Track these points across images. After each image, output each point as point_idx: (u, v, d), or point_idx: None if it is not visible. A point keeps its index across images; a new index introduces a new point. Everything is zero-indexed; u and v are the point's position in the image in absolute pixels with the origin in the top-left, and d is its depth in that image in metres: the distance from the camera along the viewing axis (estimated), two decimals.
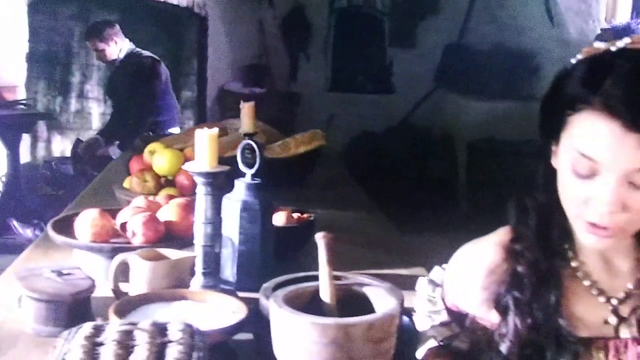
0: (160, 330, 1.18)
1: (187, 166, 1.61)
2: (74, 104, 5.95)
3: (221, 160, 1.60)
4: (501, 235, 1.22)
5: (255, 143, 1.77)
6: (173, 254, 1.60)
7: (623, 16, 5.03)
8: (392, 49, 6.41)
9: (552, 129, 1.08)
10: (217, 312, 1.46)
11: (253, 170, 1.77)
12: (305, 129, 6.36)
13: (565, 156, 1.06)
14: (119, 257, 1.55)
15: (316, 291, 1.29)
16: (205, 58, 6.06)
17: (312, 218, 2.07)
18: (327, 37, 6.49)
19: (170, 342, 1.13)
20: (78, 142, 4.89)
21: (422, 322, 1.34)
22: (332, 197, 2.87)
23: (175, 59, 5.95)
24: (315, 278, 1.46)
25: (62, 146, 5.83)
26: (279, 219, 1.98)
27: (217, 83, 6.20)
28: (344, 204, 2.76)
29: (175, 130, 4.61)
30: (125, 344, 1.13)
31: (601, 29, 5.15)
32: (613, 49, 1.06)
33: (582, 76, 1.04)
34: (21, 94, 5.61)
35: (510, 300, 1.16)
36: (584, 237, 1.08)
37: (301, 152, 2.85)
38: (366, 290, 1.30)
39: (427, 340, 1.32)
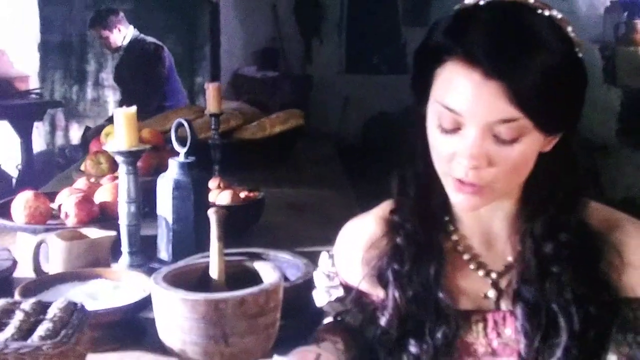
0: (42, 308, 1.19)
1: (107, 146, 1.61)
2: (90, 93, 6.01)
3: None
4: (384, 208, 1.20)
5: (187, 122, 1.76)
6: (95, 234, 1.61)
7: None
8: (407, 29, 6.35)
9: (422, 88, 1.05)
10: (130, 290, 1.46)
11: (185, 149, 1.76)
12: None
13: (432, 112, 1.03)
14: (38, 238, 1.57)
15: (207, 268, 1.28)
16: (218, 43, 6.06)
17: (260, 197, 2.06)
18: (340, 19, 6.46)
19: (44, 320, 1.14)
20: (87, 129, 4.95)
21: (321, 298, 1.32)
22: (310, 176, 2.86)
23: (189, 45, 5.97)
24: (243, 255, 1.47)
25: (79, 134, 5.91)
26: (224, 198, 1.97)
27: (230, 68, 6.21)
28: (320, 183, 2.74)
29: None
30: (0, 322, 1.14)
31: (610, 1, 5.03)
32: (482, 2, 1.02)
33: (447, 26, 1.00)
34: (33, 84, 5.69)
35: (390, 273, 1.14)
36: (452, 196, 1.04)
37: (277, 132, 2.84)
38: (257, 265, 1.29)
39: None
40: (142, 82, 4.58)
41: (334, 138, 5.50)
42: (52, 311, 1.16)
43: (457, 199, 1.02)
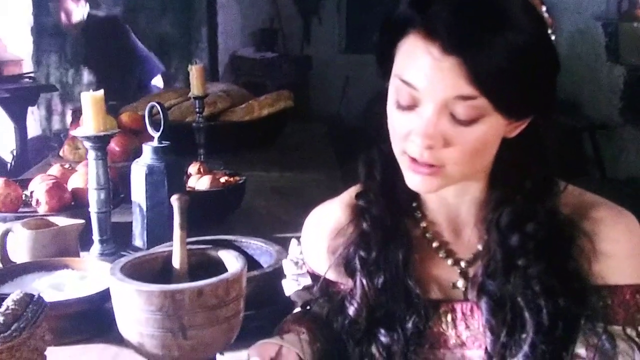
0: None
1: (75, 131, 1.56)
2: (86, 76, 5.95)
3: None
4: (351, 193, 1.14)
5: (160, 105, 1.70)
6: (64, 222, 1.56)
7: None
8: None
9: (385, 62, 0.99)
10: (96, 280, 1.42)
11: (159, 133, 1.70)
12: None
13: (391, 88, 0.98)
14: (4, 226, 1.52)
15: (170, 257, 1.23)
16: (215, 25, 6.00)
17: (241, 181, 2.00)
18: None
19: None
20: (74, 112, 4.87)
21: (289, 286, 1.27)
22: (300, 159, 2.80)
23: (185, 27, 5.90)
24: (215, 242, 1.42)
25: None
26: (203, 183, 1.92)
27: (228, 50, 6.14)
28: (309, 166, 2.68)
29: (158, 80, 4.51)
30: None
31: None
32: None
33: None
34: (27, 68, 5.62)
35: (357, 261, 1.08)
36: (408, 177, 0.98)
37: (265, 114, 2.78)
38: (221, 254, 1.24)
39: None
40: (114, 60, 4.40)
41: (334, 118, 5.45)
42: (6, 304, 1.12)
43: (412, 179, 0.97)
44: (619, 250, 1.01)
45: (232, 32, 6.16)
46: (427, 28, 0.91)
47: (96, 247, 1.61)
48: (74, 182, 1.77)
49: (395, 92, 0.96)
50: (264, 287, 1.33)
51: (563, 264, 0.99)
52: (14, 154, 5.15)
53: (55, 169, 1.87)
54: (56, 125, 5.95)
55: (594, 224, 1.01)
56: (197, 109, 2.40)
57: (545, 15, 0.95)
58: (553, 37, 0.96)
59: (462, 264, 1.06)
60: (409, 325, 1.05)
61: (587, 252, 0.99)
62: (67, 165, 1.94)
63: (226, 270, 1.19)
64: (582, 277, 0.99)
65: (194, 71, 2.41)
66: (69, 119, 5.96)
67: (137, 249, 1.70)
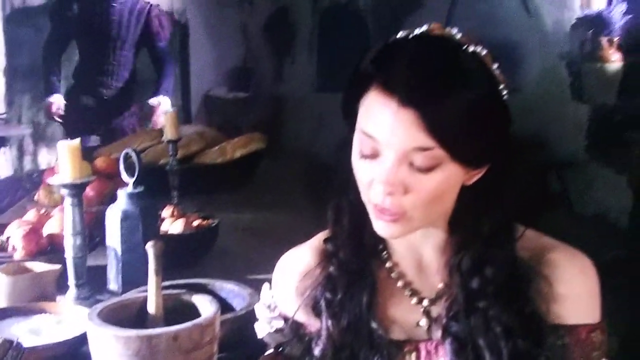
0: None
1: (52, 179, 1.60)
2: None
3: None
4: (320, 238, 1.19)
5: (135, 152, 1.75)
6: (41, 267, 1.59)
7: (598, 3, 4.93)
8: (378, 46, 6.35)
9: (350, 115, 1.06)
10: (73, 324, 1.45)
11: (133, 179, 1.75)
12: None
13: (355, 139, 1.04)
14: None
15: (145, 302, 1.27)
16: (187, 65, 6.06)
17: (214, 224, 2.05)
18: (311, 38, 6.45)
19: None
20: None
21: (262, 329, 1.31)
22: (272, 199, 2.84)
23: None
24: (188, 286, 1.46)
25: (48, 158, 5.87)
26: (176, 226, 1.96)
27: (201, 89, 6.19)
28: (282, 206, 2.73)
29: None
30: None
31: (576, 18, 5.07)
32: (411, 36, 1.04)
33: (374, 55, 1.02)
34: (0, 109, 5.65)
35: (323, 302, 1.13)
36: (374, 224, 1.04)
37: (238, 156, 2.83)
38: (195, 299, 1.28)
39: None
40: None
41: (306, 159, 5.49)
42: None
43: (377, 225, 1.03)
44: (574, 292, 1.06)
45: (205, 71, 6.22)
46: (387, 83, 0.97)
47: (72, 291, 1.64)
48: (50, 228, 1.81)
49: (359, 143, 1.02)
50: (237, 329, 1.38)
51: (522, 306, 1.04)
52: None
53: (31, 214, 1.90)
54: (28, 165, 5.94)
55: (550, 267, 1.06)
56: (171, 153, 2.45)
57: (497, 72, 1.02)
58: (505, 93, 1.03)
59: (426, 302, 1.11)
60: None
61: (545, 294, 1.05)
62: (42, 211, 1.97)
63: (200, 315, 1.23)
64: (540, 318, 1.05)
65: (168, 116, 2.46)
66: (41, 159, 5.97)
67: (112, 293, 1.73)
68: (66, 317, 1.46)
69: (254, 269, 1.89)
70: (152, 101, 4.07)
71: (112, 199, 2.04)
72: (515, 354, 1.02)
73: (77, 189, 1.58)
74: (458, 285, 1.06)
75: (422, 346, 1.10)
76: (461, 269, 1.05)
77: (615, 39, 4.92)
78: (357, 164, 1.03)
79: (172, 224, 1.98)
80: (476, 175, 1.03)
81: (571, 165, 5.22)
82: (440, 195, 1.00)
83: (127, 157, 1.77)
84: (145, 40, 4.11)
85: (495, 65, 1.02)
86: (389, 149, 0.98)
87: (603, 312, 1.09)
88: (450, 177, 0.99)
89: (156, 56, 4.19)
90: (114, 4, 3.96)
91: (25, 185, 5.33)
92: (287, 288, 1.20)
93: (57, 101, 4.09)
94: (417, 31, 1.04)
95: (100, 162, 2.24)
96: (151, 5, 4.09)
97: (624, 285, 3.27)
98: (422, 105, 0.95)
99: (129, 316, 1.25)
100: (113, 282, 1.75)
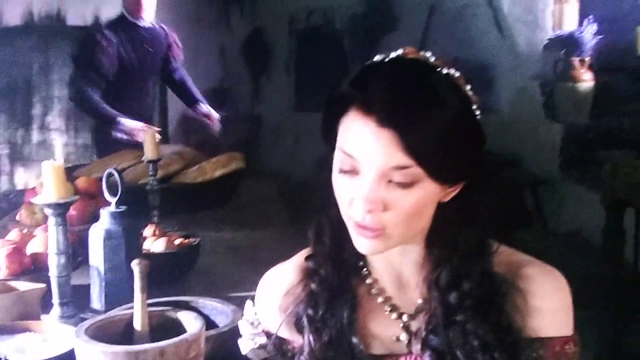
0: None
1: (35, 199, 1.62)
2: (36, 136, 5.97)
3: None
4: (301, 256, 1.23)
5: (117, 172, 1.77)
6: (25, 286, 1.61)
7: (570, 25, 5.03)
8: (354, 66, 6.42)
9: (329, 136, 1.09)
10: (58, 343, 1.46)
11: (116, 199, 1.77)
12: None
13: (336, 158, 1.07)
14: None
15: (132, 319, 1.30)
16: (165, 85, 6.07)
17: (195, 243, 2.07)
18: (288, 58, 6.53)
19: None
20: None
21: (245, 345, 1.34)
22: (252, 218, 2.87)
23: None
24: (172, 304, 1.48)
25: (25, 178, 5.85)
26: (158, 245, 1.98)
27: (178, 109, 6.21)
28: (262, 225, 2.76)
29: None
30: None
31: (548, 39, 5.18)
32: (387, 59, 1.08)
33: (352, 78, 1.06)
34: None
35: (305, 318, 1.17)
36: (354, 240, 1.08)
37: (218, 175, 2.86)
38: (180, 315, 1.31)
39: None
40: None
41: (284, 177, 5.53)
42: None
43: (358, 242, 1.07)
44: (548, 305, 1.11)
45: None
46: (365, 104, 1.01)
47: (56, 309, 1.65)
48: (33, 247, 1.82)
49: (339, 162, 1.06)
50: (221, 346, 1.40)
51: (498, 320, 1.08)
52: None
53: (13, 234, 1.91)
54: (5, 185, 5.93)
55: (525, 281, 1.11)
56: (151, 172, 2.47)
57: (470, 93, 1.07)
58: (478, 113, 1.07)
59: (405, 317, 1.15)
60: None
61: (520, 308, 1.09)
62: (25, 230, 1.99)
63: (185, 331, 1.26)
64: (515, 331, 1.09)
65: (147, 136, 2.49)
66: (18, 179, 5.95)
67: (95, 312, 1.75)
68: (51, 336, 1.48)
69: (236, 286, 1.92)
70: (202, 109, 4.05)
71: (94, 218, 2.07)
72: None
73: (61, 209, 1.60)
74: (437, 300, 1.09)
75: None
76: (439, 284, 1.09)
77: (587, 59, 5.02)
78: (337, 182, 1.07)
79: (154, 243, 2.00)
80: (452, 193, 1.07)
81: (545, 183, 5.30)
82: (419, 211, 1.04)
83: (109, 177, 1.79)
84: (164, 65, 4.09)
85: (468, 87, 1.07)
86: (368, 168, 1.02)
87: (575, 325, 1.14)
88: (428, 194, 1.03)
89: (177, 75, 4.18)
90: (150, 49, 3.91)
91: (2, 205, 5.33)
92: (270, 305, 1.23)
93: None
94: (393, 54, 1.09)
95: (81, 182, 2.26)
96: (165, 30, 4.06)
97: (597, 301, 3.33)
98: (400, 126, 0.99)
99: (116, 333, 1.27)
100: (96, 300, 1.77)
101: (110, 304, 1.74)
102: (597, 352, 3.27)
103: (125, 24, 3.82)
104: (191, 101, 4.19)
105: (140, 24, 3.83)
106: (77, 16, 5.90)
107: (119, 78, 3.78)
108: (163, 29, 4.01)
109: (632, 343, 3.40)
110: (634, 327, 3.54)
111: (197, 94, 4.19)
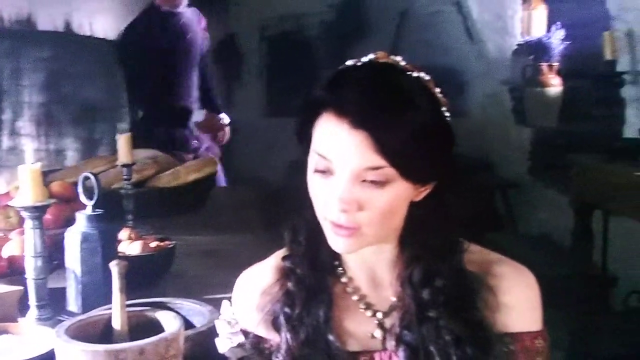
0: None
1: (13, 202, 1.63)
2: (5, 142, 5.92)
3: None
4: (278, 256, 1.26)
5: (94, 175, 1.78)
6: (1, 289, 1.62)
7: (538, 31, 5.10)
8: (326, 72, 6.44)
9: (304, 138, 1.12)
10: (35, 344, 1.47)
11: (92, 202, 1.78)
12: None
13: (310, 160, 1.11)
14: None
15: (110, 319, 1.31)
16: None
17: (171, 246, 2.09)
18: (260, 64, 6.55)
19: None
20: None
21: (223, 344, 1.36)
22: (227, 222, 2.89)
23: (109, 92, 5.94)
24: (150, 304, 1.50)
25: None
26: (134, 248, 2.00)
27: None
28: (236, 229, 2.78)
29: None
30: None
31: (517, 44, 5.26)
32: (359, 63, 1.12)
33: (326, 82, 1.10)
34: None
35: (282, 317, 1.19)
36: (330, 239, 1.11)
37: (191, 179, 2.88)
38: (159, 315, 1.33)
39: None
40: None
41: (256, 182, 5.54)
42: None
43: (333, 241, 1.10)
44: (518, 302, 1.15)
45: None
46: (339, 107, 1.05)
47: (33, 312, 1.66)
48: (9, 250, 1.83)
49: (314, 164, 1.10)
50: (200, 345, 1.42)
51: (470, 315, 1.12)
52: None
53: None
54: None
55: (496, 279, 1.15)
56: (125, 176, 2.48)
57: (440, 95, 1.11)
58: (448, 115, 1.11)
59: (379, 315, 1.18)
60: None
61: (491, 304, 1.13)
62: (1, 234, 1.99)
63: (164, 330, 1.28)
64: (487, 326, 1.13)
65: (121, 140, 2.49)
66: None
67: (72, 314, 1.75)
68: (28, 338, 1.49)
69: (211, 289, 1.94)
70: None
71: (68, 222, 2.08)
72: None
73: (38, 212, 1.61)
74: (410, 297, 1.13)
75: (376, 356, 1.17)
76: (412, 281, 1.13)
77: (555, 65, 5.10)
78: (312, 182, 1.11)
79: (129, 246, 2.01)
80: (424, 192, 1.11)
81: (515, 186, 5.37)
82: (392, 210, 1.08)
83: (85, 180, 1.80)
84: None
85: (437, 90, 1.11)
86: (342, 169, 1.05)
87: (545, 324, 1.18)
88: (401, 193, 1.07)
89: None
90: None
91: None
92: (247, 304, 1.26)
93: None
94: (365, 59, 1.13)
95: (55, 186, 2.27)
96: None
97: (566, 302, 3.39)
98: (372, 127, 1.03)
99: (96, 333, 1.29)
100: (73, 303, 1.77)
101: (86, 306, 1.75)
102: (568, 352, 3.32)
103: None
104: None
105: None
106: (48, 21, 5.86)
107: None
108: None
109: (601, 343, 3.46)
110: (602, 327, 3.61)
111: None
